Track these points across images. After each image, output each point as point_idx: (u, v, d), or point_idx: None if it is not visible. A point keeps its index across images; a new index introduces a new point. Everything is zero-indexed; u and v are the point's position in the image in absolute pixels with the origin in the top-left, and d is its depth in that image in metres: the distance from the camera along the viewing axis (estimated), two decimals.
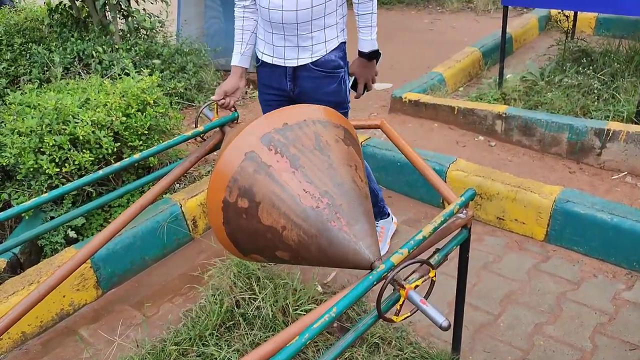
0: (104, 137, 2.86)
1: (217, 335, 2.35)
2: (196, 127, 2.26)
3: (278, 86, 2.41)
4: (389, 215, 2.94)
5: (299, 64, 2.30)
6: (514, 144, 3.62)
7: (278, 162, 1.67)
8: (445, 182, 3.10)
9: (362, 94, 2.50)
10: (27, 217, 2.98)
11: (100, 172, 2.11)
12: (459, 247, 1.85)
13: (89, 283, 2.69)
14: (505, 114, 3.59)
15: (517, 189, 2.88)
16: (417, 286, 1.48)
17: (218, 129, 2.31)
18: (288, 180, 1.64)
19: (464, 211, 1.81)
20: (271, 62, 2.35)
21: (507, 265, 2.73)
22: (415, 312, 1.52)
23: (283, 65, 2.32)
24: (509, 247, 2.86)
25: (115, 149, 2.95)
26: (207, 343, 2.30)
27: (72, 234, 2.96)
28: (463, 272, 1.92)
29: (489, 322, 2.40)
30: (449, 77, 4.54)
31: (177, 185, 3.37)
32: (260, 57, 2.40)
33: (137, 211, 2.13)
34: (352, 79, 2.47)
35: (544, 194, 2.80)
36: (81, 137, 2.80)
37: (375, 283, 1.46)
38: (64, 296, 2.60)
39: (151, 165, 3.24)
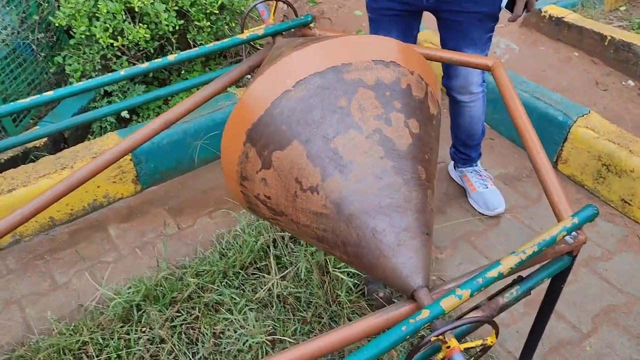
0: (164, 11, 2.43)
1: (243, 276, 2.03)
2: (242, 31, 1.77)
3: None
4: None
5: None
6: None
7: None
8: (566, 139, 2.45)
9: (521, 16, 1.76)
10: None
11: (135, 68, 1.74)
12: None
13: (128, 177, 2.43)
14: None
15: None
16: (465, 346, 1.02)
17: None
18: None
19: (574, 233, 1.25)
20: None
21: (618, 267, 2.13)
22: None
23: None
24: (626, 242, 2.23)
25: (178, 27, 2.53)
26: (230, 283, 2.00)
27: (124, 113, 2.67)
28: (547, 308, 1.39)
29: (572, 342, 1.89)
30: None
31: (248, 77, 2.93)
32: None
33: (187, 111, 1.81)
34: None
35: None
36: (137, 9, 2.38)
37: (409, 337, 1.01)
38: (98, 186, 2.37)
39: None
